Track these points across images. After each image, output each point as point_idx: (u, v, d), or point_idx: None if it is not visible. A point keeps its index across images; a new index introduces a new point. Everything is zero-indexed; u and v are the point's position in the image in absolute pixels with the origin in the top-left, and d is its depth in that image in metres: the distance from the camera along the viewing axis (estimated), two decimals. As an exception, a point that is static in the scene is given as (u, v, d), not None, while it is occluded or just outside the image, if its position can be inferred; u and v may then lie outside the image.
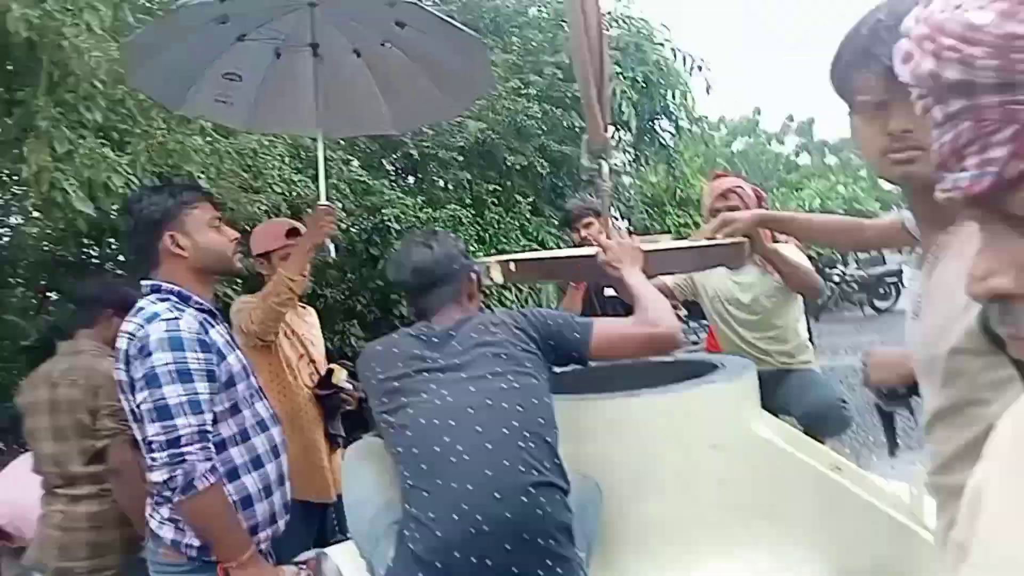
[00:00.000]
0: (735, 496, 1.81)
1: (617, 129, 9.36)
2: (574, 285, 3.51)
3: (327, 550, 1.90)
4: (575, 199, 3.83)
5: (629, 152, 10.28)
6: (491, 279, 1.94)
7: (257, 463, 1.72)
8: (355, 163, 6.87)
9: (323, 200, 2.72)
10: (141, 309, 1.70)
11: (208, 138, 4.62)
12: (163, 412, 1.56)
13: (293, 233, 2.71)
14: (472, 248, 7.04)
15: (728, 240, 2.12)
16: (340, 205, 6.41)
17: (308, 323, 2.77)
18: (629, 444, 1.75)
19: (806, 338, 2.86)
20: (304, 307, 2.83)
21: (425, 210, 7.03)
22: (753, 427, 1.87)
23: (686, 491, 1.77)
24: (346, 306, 6.76)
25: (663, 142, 10.07)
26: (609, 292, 3.52)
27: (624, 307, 3.41)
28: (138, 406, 1.61)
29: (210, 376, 1.64)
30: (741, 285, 2.78)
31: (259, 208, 5.08)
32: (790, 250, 2.61)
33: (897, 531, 1.78)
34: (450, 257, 1.73)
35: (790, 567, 1.78)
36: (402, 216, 6.74)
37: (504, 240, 7.57)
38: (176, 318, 1.65)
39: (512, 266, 1.93)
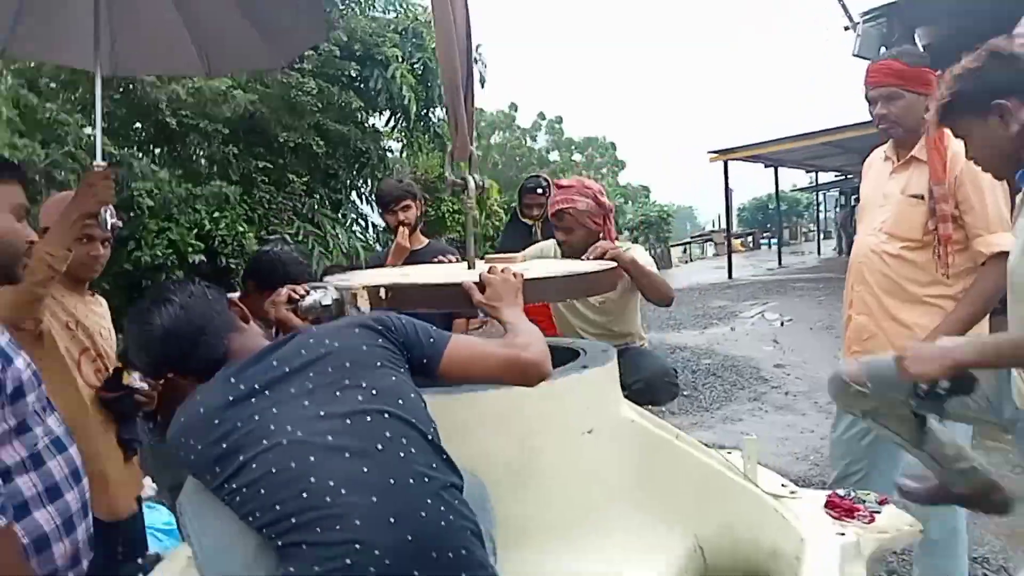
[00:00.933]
0: (607, 480, 1.78)
1: (394, 114, 9.19)
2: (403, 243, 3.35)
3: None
4: (391, 179, 3.60)
5: (403, 139, 10.16)
6: (357, 308, 1.69)
7: (54, 493, 1.31)
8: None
9: (98, 160, 2.20)
10: None
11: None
12: None
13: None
14: (241, 229, 6.42)
15: (606, 266, 2.22)
16: (80, 175, 5.47)
17: (97, 313, 2.25)
18: (508, 437, 1.64)
19: (639, 321, 2.98)
20: (93, 295, 2.30)
21: (184, 185, 6.26)
22: (621, 410, 1.86)
23: (565, 479, 1.70)
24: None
25: (438, 131, 10.05)
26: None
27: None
28: None
29: None
30: None
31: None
32: (642, 256, 2.69)
33: (739, 493, 1.88)
34: (198, 295, 1.43)
35: (656, 544, 1.80)
36: (156, 191, 5.93)
37: (276, 221, 7.02)
38: None
39: (383, 293, 1.70)
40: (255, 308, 2.26)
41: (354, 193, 9.16)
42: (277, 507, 1.16)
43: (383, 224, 10.10)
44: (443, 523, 1.17)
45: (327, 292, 1.75)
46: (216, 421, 1.24)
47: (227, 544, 1.19)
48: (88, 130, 5.85)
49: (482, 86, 9.93)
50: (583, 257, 2.51)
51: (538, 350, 1.42)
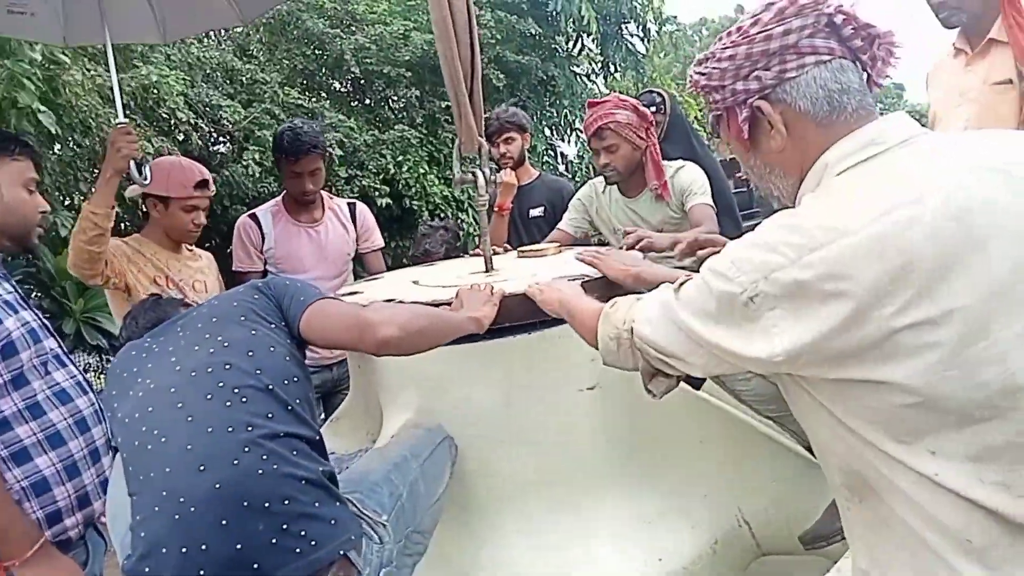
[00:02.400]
0: (618, 442, 1.63)
1: (578, 37, 8.89)
2: (498, 209, 3.26)
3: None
4: (499, 109, 3.49)
5: (596, 60, 9.84)
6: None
7: (55, 440, 1.51)
8: (293, 88, 6.47)
9: (120, 118, 2.35)
10: None
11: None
12: None
13: (201, 185, 2.42)
14: (424, 170, 6.72)
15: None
16: (275, 130, 6.07)
17: (193, 267, 2.50)
18: (490, 389, 1.56)
19: None
20: (191, 249, 2.56)
21: (371, 132, 6.65)
22: (641, 363, 1.66)
23: (559, 438, 1.59)
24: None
25: (631, 47, 9.55)
26: (534, 213, 3.27)
27: (549, 227, 3.18)
28: None
29: None
30: (640, 212, 2.58)
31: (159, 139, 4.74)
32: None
33: (791, 461, 1.62)
34: None
35: (683, 515, 1.62)
36: (346, 140, 6.37)
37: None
38: None
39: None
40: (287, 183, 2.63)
41: (544, 123, 9.09)
42: (124, 455, 1.23)
43: (572, 154, 9.95)
44: (260, 471, 1.13)
45: None
46: (119, 369, 1.36)
47: (122, 506, 1.25)
48: (289, 89, 6.43)
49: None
50: (675, 255, 2.17)
51: (393, 313, 1.35)
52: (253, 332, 1.32)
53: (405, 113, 7.28)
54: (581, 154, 9.64)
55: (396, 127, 6.83)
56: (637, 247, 1.99)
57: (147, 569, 1.09)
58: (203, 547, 1.07)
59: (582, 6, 7.80)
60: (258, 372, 1.26)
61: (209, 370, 1.25)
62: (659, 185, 2.49)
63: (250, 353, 1.28)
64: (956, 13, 2.13)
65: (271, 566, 1.09)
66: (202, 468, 1.13)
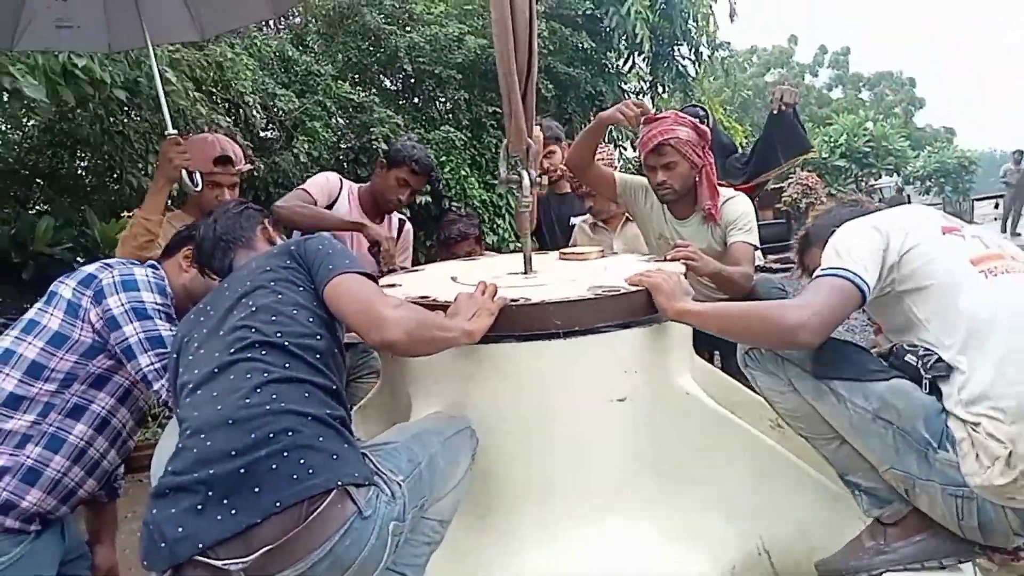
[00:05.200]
0: (643, 455, 1.62)
1: (630, 55, 8.89)
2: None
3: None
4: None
5: (645, 79, 9.83)
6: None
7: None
8: (345, 82, 6.56)
9: (169, 129, 2.47)
10: None
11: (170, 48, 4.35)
12: None
13: (222, 161, 2.48)
14: (465, 172, 6.76)
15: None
16: (325, 121, 6.16)
17: None
18: (522, 392, 1.57)
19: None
20: None
21: (416, 130, 6.72)
22: (676, 380, 1.67)
23: (585, 446, 1.58)
24: (330, 228, 6.59)
25: (681, 69, 9.53)
26: (575, 221, 3.29)
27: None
28: None
29: None
30: (685, 235, 2.56)
31: (227, 123, 4.83)
32: (747, 238, 2.46)
33: (818, 494, 1.60)
34: (231, 211, 1.77)
35: (705, 533, 1.60)
36: (391, 136, 6.44)
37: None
38: None
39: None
40: (380, 185, 2.81)
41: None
42: (179, 412, 1.35)
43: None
44: (268, 406, 1.24)
45: None
46: (193, 315, 1.51)
47: (168, 440, 1.42)
48: (341, 83, 6.53)
49: (731, 20, 9.22)
50: (666, 257, 2.20)
51: (404, 316, 1.38)
52: (279, 296, 1.42)
53: (452, 115, 7.34)
54: (624, 170, 9.62)
55: (442, 128, 6.89)
56: (681, 262, 2.00)
57: (167, 491, 1.19)
58: (210, 471, 1.18)
59: (636, 24, 7.79)
60: (278, 335, 1.35)
61: (237, 333, 1.37)
62: (712, 206, 2.48)
63: (273, 318, 1.38)
64: None
65: (270, 490, 1.16)
66: (219, 408, 1.25)
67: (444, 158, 6.72)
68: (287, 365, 1.32)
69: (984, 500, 1.34)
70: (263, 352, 1.32)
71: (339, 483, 1.20)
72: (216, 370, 1.32)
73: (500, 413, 1.57)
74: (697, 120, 3.48)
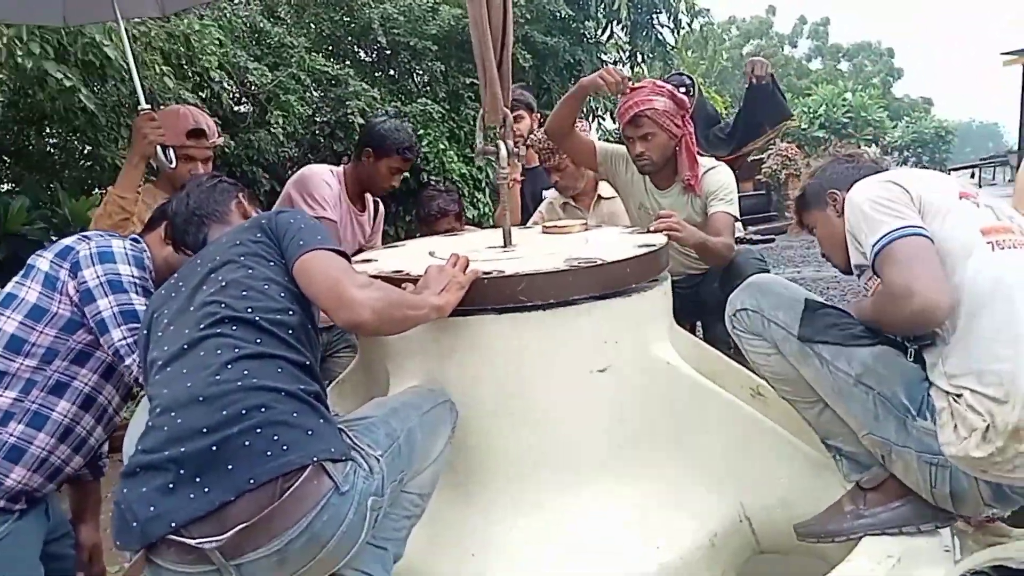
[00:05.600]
0: (627, 425, 1.61)
1: (608, 23, 8.80)
2: (517, 180, 3.25)
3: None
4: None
5: (624, 49, 9.74)
6: None
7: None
8: (319, 54, 6.44)
9: (142, 104, 2.41)
10: None
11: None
12: None
13: (195, 135, 2.42)
14: (443, 146, 6.68)
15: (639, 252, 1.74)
16: (300, 95, 6.04)
17: None
18: (500, 367, 1.55)
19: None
20: None
21: (393, 103, 6.62)
22: (653, 349, 1.65)
23: (568, 418, 1.57)
24: (308, 203, 6.49)
25: (660, 38, 9.45)
26: (546, 195, 3.26)
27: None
28: None
29: None
30: (665, 205, 2.54)
31: (193, 96, 4.71)
32: (727, 208, 2.44)
33: (798, 461, 1.61)
34: (204, 185, 1.75)
35: (688, 503, 1.61)
36: (367, 110, 6.34)
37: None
38: None
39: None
40: (369, 174, 2.69)
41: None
42: (150, 390, 1.32)
43: (593, 139, 9.90)
44: (239, 383, 1.22)
45: None
46: (164, 290, 1.49)
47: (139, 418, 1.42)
48: (315, 55, 6.39)
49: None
50: (649, 229, 2.15)
51: (371, 296, 1.35)
52: (249, 271, 1.40)
53: (429, 87, 7.23)
54: (602, 139, 9.57)
55: (419, 100, 6.79)
56: (664, 232, 1.98)
57: (138, 471, 1.18)
58: (181, 450, 1.16)
59: (614, -9, 7.72)
60: (249, 310, 1.33)
61: (206, 308, 1.35)
62: (691, 176, 2.46)
63: (244, 293, 1.36)
64: None
65: (244, 467, 1.15)
66: (189, 385, 1.24)
67: (422, 131, 6.62)
68: (258, 341, 1.29)
69: (957, 470, 1.34)
70: (233, 328, 1.30)
71: (314, 459, 1.18)
72: (186, 346, 1.29)
73: (480, 386, 1.55)
74: (683, 89, 3.50)
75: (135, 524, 1.13)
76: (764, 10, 26.63)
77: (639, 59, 9.65)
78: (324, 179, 2.72)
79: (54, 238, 4.89)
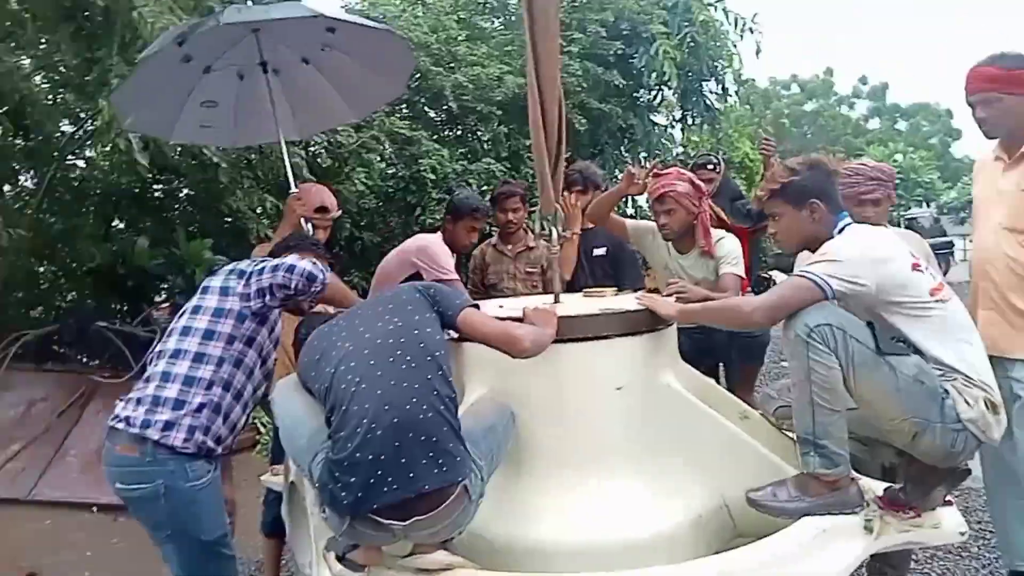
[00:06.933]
0: (637, 430, 2.18)
1: (660, 89, 9.45)
2: (572, 234, 3.83)
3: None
4: (583, 164, 4.19)
5: (674, 113, 10.33)
6: None
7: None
8: (397, 117, 7.24)
9: (293, 188, 3.36)
10: None
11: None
12: None
13: (320, 210, 3.28)
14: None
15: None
16: (381, 153, 6.84)
17: None
18: (544, 380, 2.15)
19: None
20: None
21: (460, 162, 7.35)
22: (660, 376, 2.24)
23: (595, 421, 2.17)
24: (382, 249, 7.21)
25: (708, 103, 10.05)
26: (597, 252, 3.85)
27: (611, 266, 3.78)
28: None
29: None
30: (685, 266, 3.17)
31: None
32: (732, 269, 3.04)
33: (762, 465, 2.16)
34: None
35: (679, 489, 2.15)
36: (438, 167, 7.08)
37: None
38: None
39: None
40: (452, 238, 3.56)
41: (618, 168, 9.65)
42: (325, 389, 1.83)
43: (643, 199, 10.41)
44: (421, 416, 1.71)
45: None
46: (316, 340, 2.01)
47: (300, 421, 1.90)
48: (394, 118, 7.21)
49: (757, 56, 9.68)
50: (663, 293, 2.72)
51: (528, 334, 1.99)
52: (417, 317, 1.93)
53: (492, 147, 7.95)
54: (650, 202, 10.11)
55: (483, 160, 7.52)
56: (675, 296, 2.57)
57: (345, 462, 1.68)
58: (382, 457, 1.66)
59: (665, 63, 8.33)
60: (422, 345, 1.84)
61: (390, 340, 1.85)
62: (706, 244, 3.08)
63: (415, 332, 1.87)
64: (995, 129, 2.62)
65: (420, 477, 1.67)
66: (387, 408, 1.71)
67: (486, 187, 7.33)
68: (429, 377, 1.77)
69: (970, 434, 1.89)
70: (414, 364, 1.78)
71: (460, 479, 1.72)
72: (379, 374, 1.76)
73: (530, 397, 2.15)
74: (710, 166, 4.19)
75: (346, 501, 1.69)
76: (823, 70, 26.89)
77: (688, 122, 10.27)
78: (444, 249, 3.47)
79: (171, 276, 5.75)
